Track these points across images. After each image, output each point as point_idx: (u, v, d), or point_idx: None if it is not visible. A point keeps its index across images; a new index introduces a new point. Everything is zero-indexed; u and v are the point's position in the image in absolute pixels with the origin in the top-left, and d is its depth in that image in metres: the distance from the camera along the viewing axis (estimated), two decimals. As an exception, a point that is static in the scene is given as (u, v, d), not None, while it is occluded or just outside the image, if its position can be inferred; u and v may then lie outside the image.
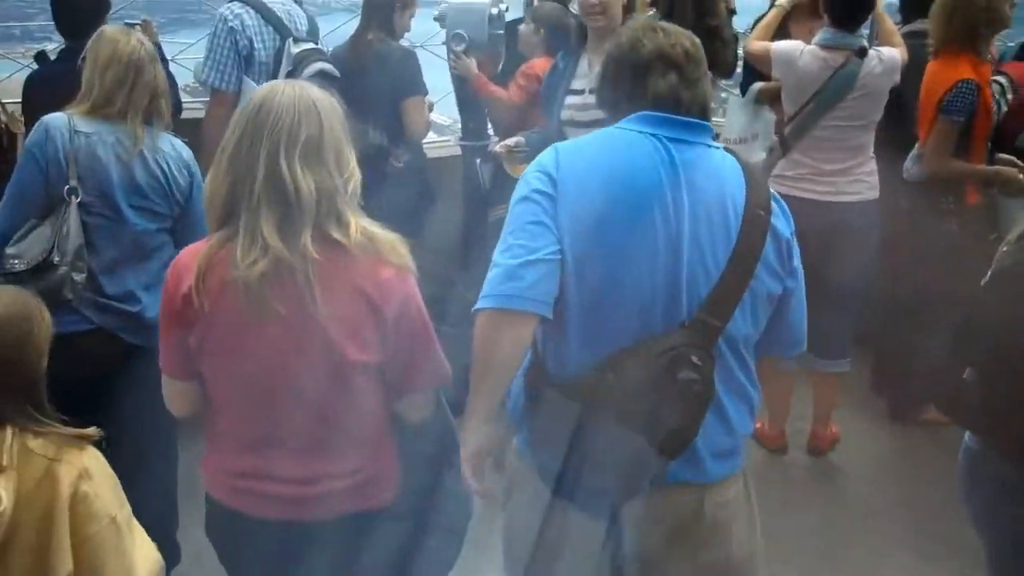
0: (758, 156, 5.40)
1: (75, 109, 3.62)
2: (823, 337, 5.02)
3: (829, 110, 4.81)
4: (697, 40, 2.68)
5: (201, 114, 5.05)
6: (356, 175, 2.48)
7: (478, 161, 5.44)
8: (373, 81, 4.95)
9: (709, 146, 2.57)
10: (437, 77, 5.63)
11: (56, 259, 3.45)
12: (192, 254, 2.46)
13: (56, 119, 3.58)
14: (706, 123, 2.59)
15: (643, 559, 2.64)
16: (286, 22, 4.80)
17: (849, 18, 4.87)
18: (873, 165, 4.94)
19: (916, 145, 5.09)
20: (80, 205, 3.52)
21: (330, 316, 2.40)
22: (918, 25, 5.44)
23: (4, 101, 4.98)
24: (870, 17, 5.14)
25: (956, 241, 4.91)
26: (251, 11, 4.77)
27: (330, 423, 2.51)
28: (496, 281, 2.42)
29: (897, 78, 4.88)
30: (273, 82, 2.63)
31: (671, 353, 2.37)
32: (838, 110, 4.82)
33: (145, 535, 2.48)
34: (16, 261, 3.45)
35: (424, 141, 5.59)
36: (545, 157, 2.54)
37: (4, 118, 4.51)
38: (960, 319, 2.91)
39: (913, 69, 5.06)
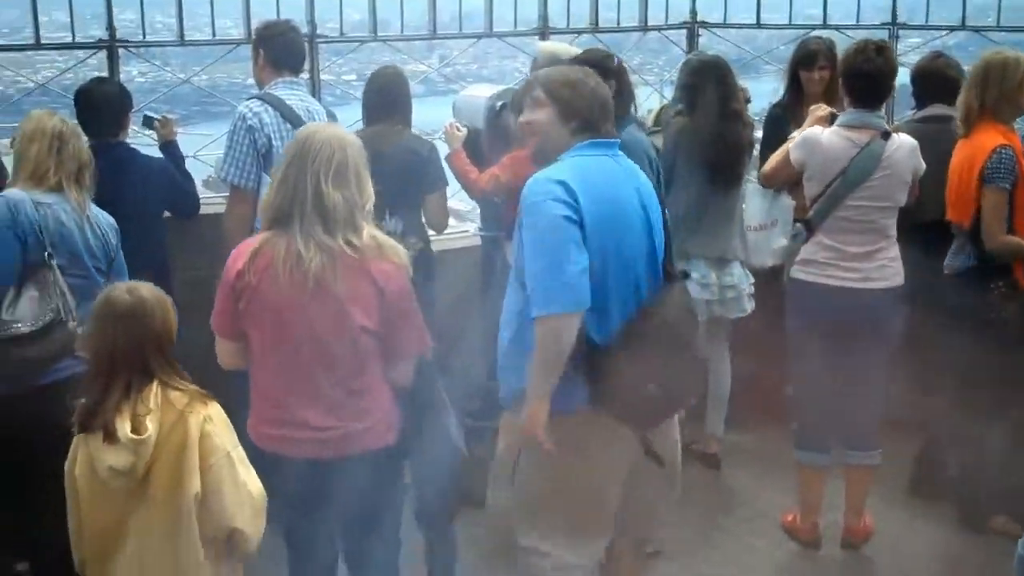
0: (779, 242, 5.40)
1: (19, 185, 3.94)
2: (852, 428, 4.98)
3: (854, 189, 4.73)
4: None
5: (220, 208, 5.07)
6: (371, 195, 3.38)
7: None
8: (397, 171, 4.95)
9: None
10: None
11: (63, 317, 3.85)
12: (248, 244, 3.37)
13: (15, 194, 3.91)
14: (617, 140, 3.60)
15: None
16: (304, 118, 4.82)
17: (871, 97, 4.83)
18: (897, 251, 4.85)
19: (954, 240, 5.01)
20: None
21: (346, 292, 3.27)
22: (934, 110, 5.45)
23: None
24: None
25: (1014, 329, 4.79)
26: (270, 109, 4.81)
27: (346, 376, 3.35)
28: (559, 290, 3.23)
29: (920, 164, 4.83)
30: (312, 123, 3.81)
31: (681, 290, 3.57)
32: (862, 190, 4.73)
33: (253, 471, 3.15)
34: (19, 325, 3.81)
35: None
36: (558, 190, 3.28)
37: None
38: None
39: (930, 154, 5.00)
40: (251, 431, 3.44)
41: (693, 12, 7.64)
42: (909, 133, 5.02)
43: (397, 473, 3.70)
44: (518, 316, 3.43)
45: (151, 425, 3.00)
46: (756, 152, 5.70)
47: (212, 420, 3.09)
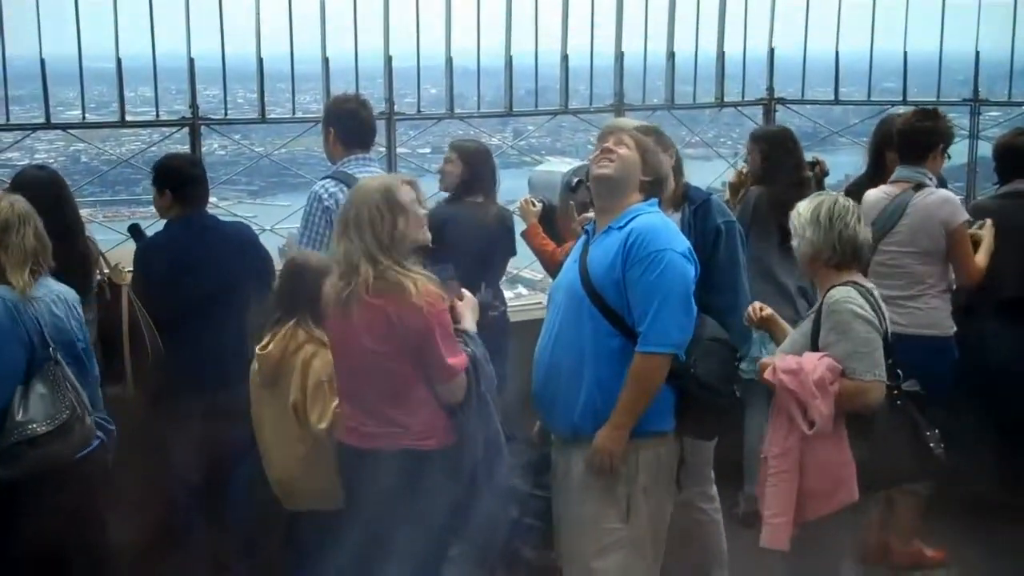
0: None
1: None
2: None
3: (883, 236, 4.92)
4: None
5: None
6: (398, 237, 3.72)
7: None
8: (492, 243, 5.17)
9: None
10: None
11: (79, 412, 3.81)
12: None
13: (7, 292, 3.78)
14: None
15: None
16: None
17: (911, 154, 5.08)
18: (938, 302, 4.99)
19: None
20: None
21: (362, 326, 3.71)
22: (1016, 185, 5.36)
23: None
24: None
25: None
26: (344, 188, 4.82)
27: (383, 392, 3.80)
28: (677, 333, 3.73)
29: (954, 217, 4.92)
30: (362, 179, 4.19)
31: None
32: (891, 236, 4.96)
33: (335, 400, 3.99)
34: (35, 425, 3.71)
35: (517, 301, 5.67)
36: (682, 246, 3.79)
37: (107, 270, 4.64)
38: None
39: (1013, 230, 5.03)
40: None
41: (770, 88, 7.64)
42: (990, 208, 5.03)
43: (431, 478, 3.85)
44: (618, 354, 3.77)
45: (272, 347, 4.10)
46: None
47: (316, 356, 4.05)
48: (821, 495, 3.73)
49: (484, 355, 3.91)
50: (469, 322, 3.96)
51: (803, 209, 3.95)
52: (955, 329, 5.06)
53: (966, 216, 4.98)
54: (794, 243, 3.98)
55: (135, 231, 5.06)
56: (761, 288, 5.16)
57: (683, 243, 3.83)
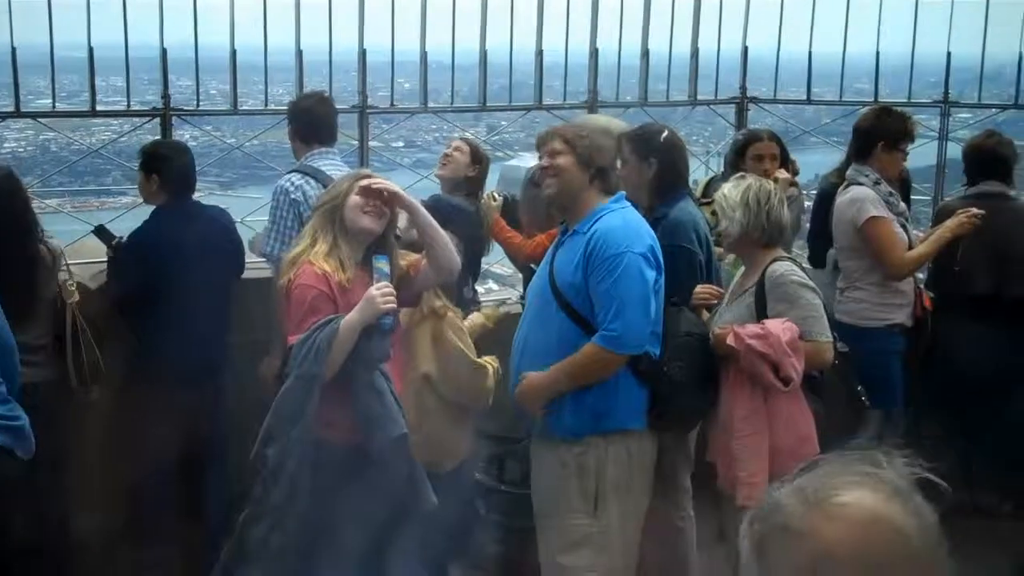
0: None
1: None
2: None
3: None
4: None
5: (262, 273, 5.13)
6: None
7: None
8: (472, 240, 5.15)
9: None
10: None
11: None
12: None
13: None
14: None
15: None
16: None
17: (855, 149, 5.28)
18: (862, 295, 5.12)
19: None
20: None
21: None
22: (986, 187, 5.42)
23: (81, 262, 5.05)
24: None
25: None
26: (311, 181, 4.86)
27: None
28: (634, 336, 3.80)
29: (862, 212, 5.03)
30: None
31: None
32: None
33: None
34: None
35: (487, 296, 5.65)
36: (642, 246, 3.82)
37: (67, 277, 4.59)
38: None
39: (983, 230, 5.08)
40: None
41: (743, 87, 7.67)
42: (958, 209, 5.09)
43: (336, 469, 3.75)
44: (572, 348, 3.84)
45: (402, 317, 3.95)
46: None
47: (448, 329, 4.19)
48: (787, 451, 3.86)
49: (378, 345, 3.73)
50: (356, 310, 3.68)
51: (730, 192, 4.14)
52: (888, 323, 5.14)
53: (873, 213, 5.02)
54: (722, 224, 4.16)
55: (101, 232, 4.99)
56: None
57: (644, 242, 3.87)
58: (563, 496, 3.93)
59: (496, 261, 5.54)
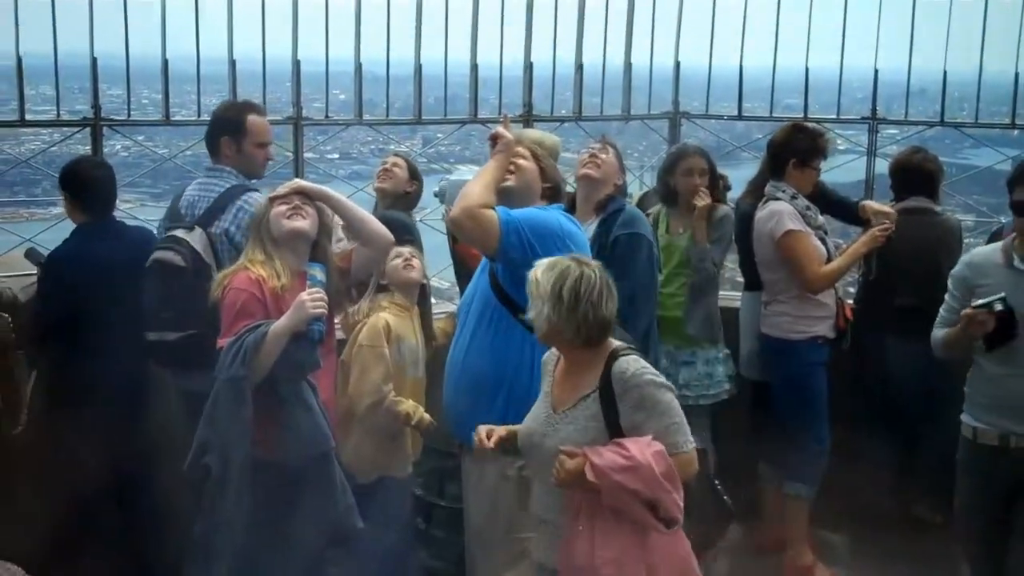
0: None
1: None
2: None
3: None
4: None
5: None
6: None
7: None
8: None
9: None
10: (436, 249, 5.67)
11: None
12: None
13: None
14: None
15: None
16: None
17: (770, 166, 5.42)
18: (784, 308, 5.27)
19: None
20: None
21: None
22: (913, 202, 5.51)
23: (10, 275, 4.96)
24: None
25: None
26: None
27: None
28: None
29: (779, 225, 5.16)
30: None
31: None
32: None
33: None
34: None
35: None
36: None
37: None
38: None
39: (908, 244, 5.23)
40: None
41: (675, 103, 7.74)
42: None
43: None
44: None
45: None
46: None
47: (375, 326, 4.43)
48: None
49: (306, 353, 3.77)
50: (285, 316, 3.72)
51: (542, 277, 3.32)
52: (810, 335, 5.24)
53: (789, 227, 5.14)
54: (530, 313, 3.36)
55: (31, 255, 4.90)
56: None
57: (569, 249, 3.66)
58: (505, 511, 3.89)
59: (434, 275, 5.53)
